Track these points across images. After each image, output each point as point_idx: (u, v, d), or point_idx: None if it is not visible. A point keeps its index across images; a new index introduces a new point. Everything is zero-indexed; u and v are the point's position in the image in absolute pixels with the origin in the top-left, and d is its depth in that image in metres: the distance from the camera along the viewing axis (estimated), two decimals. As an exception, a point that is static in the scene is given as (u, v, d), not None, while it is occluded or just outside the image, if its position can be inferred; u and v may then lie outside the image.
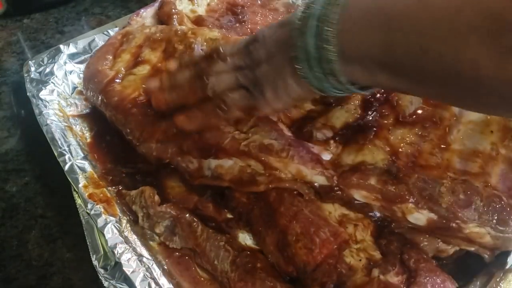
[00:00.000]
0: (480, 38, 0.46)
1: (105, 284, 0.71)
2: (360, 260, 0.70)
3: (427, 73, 0.53)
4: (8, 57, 1.23)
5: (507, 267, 0.72)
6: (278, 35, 0.67)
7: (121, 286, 0.71)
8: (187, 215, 0.78)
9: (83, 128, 0.97)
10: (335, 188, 0.73)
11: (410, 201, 0.70)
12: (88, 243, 0.76)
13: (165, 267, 0.76)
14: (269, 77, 0.67)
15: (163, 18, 1.06)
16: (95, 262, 0.74)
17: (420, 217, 0.71)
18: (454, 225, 0.70)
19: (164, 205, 0.79)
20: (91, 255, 0.75)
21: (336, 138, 0.78)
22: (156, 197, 0.80)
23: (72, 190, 0.83)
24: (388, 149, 0.75)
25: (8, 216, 0.91)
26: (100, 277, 0.72)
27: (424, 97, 0.74)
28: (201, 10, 1.08)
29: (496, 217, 0.69)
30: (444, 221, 0.70)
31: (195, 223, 0.78)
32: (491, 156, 0.76)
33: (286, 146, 0.75)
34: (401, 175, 0.72)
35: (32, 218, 0.90)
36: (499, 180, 0.73)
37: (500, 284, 0.70)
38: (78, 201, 0.81)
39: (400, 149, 0.76)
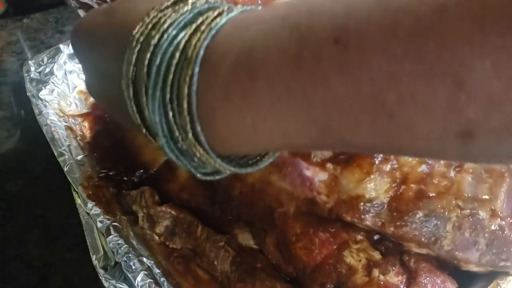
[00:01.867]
0: None
1: (105, 284, 0.72)
2: (360, 260, 0.70)
3: None
4: (8, 57, 1.24)
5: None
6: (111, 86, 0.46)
7: (121, 286, 0.72)
8: (187, 215, 0.79)
9: (83, 128, 0.98)
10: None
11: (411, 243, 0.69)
12: (88, 243, 0.77)
13: (165, 267, 0.77)
14: None
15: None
16: (95, 262, 0.74)
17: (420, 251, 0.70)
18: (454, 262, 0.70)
19: (164, 205, 0.80)
20: (91, 255, 0.75)
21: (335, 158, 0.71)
22: (156, 197, 0.81)
23: (72, 190, 0.84)
24: (396, 175, 0.69)
25: (8, 216, 0.91)
26: (100, 277, 0.73)
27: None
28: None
29: (497, 255, 0.68)
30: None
31: (195, 223, 0.78)
32: (500, 173, 0.70)
33: (280, 161, 0.70)
34: (404, 215, 0.68)
35: (32, 218, 0.91)
36: (504, 200, 0.68)
37: (501, 284, 0.71)
38: (78, 201, 0.82)
39: (408, 174, 0.69)
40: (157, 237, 0.80)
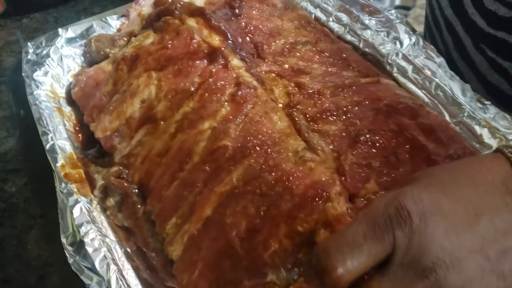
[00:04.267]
0: None
1: (70, 260, 0.77)
2: None
3: None
4: (7, 56, 1.30)
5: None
6: None
7: (83, 263, 0.76)
8: (135, 196, 0.85)
9: (72, 110, 1.05)
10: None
11: None
12: (60, 222, 0.82)
13: (128, 249, 0.82)
14: None
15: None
16: (63, 240, 0.79)
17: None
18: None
19: (118, 180, 0.87)
20: (61, 233, 0.80)
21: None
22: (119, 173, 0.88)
23: (53, 171, 0.89)
24: None
25: (7, 216, 0.96)
26: (67, 254, 0.77)
27: None
28: (200, 2, 1.13)
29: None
30: None
31: (138, 205, 0.84)
32: None
33: None
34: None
35: (31, 218, 0.95)
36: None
37: None
38: (57, 182, 0.88)
39: None
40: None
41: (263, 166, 0.76)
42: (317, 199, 0.69)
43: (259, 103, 0.85)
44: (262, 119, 0.82)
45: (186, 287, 0.72)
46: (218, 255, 0.71)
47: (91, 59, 1.11)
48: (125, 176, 0.89)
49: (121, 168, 0.90)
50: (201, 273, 0.71)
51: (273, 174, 0.74)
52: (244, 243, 0.69)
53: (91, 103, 1.00)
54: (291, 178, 0.73)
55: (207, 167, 0.79)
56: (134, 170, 0.88)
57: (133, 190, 0.86)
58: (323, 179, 0.72)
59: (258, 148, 0.78)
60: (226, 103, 0.85)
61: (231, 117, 0.83)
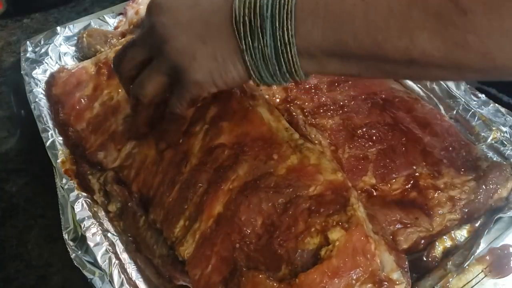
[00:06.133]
0: (429, 34, 0.56)
1: (72, 255, 0.78)
2: None
3: (379, 60, 0.61)
4: (8, 57, 1.32)
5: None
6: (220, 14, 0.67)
7: (84, 258, 0.78)
8: (135, 206, 0.85)
9: None
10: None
11: None
12: (61, 217, 0.84)
13: (130, 244, 0.83)
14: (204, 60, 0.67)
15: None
16: (65, 236, 0.81)
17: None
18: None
19: (121, 186, 0.87)
20: (62, 228, 0.82)
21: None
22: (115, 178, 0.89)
23: (53, 168, 0.91)
24: None
25: (8, 216, 0.97)
26: (68, 249, 0.79)
27: (372, 77, 0.83)
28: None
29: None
30: None
31: (139, 214, 0.84)
32: None
33: None
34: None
35: (32, 218, 0.96)
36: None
37: (451, 281, 0.74)
38: (57, 178, 0.90)
39: None
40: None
41: (269, 161, 0.77)
42: (338, 206, 0.70)
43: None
44: (252, 115, 0.83)
45: (198, 282, 0.73)
46: (232, 250, 0.72)
47: (83, 54, 1.15)
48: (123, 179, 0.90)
49: (117, 171, 0.91)
50: (214, 267, 0.72)
51: (282, 169, 0.76)
52: (261, 238, 0.71)
53: (71, 102, 1.01)
54: (303, 174, 0.74)
55: (207, 167, 0.80)
56: (131, 181, 0.89)
57: (133, 199, 0.87)
58: (338, 180, 0.74)
59: (257, 143, 0.79)
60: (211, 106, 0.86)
61: (221, 115, 0.84)
